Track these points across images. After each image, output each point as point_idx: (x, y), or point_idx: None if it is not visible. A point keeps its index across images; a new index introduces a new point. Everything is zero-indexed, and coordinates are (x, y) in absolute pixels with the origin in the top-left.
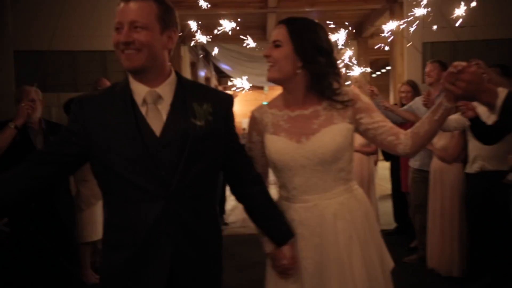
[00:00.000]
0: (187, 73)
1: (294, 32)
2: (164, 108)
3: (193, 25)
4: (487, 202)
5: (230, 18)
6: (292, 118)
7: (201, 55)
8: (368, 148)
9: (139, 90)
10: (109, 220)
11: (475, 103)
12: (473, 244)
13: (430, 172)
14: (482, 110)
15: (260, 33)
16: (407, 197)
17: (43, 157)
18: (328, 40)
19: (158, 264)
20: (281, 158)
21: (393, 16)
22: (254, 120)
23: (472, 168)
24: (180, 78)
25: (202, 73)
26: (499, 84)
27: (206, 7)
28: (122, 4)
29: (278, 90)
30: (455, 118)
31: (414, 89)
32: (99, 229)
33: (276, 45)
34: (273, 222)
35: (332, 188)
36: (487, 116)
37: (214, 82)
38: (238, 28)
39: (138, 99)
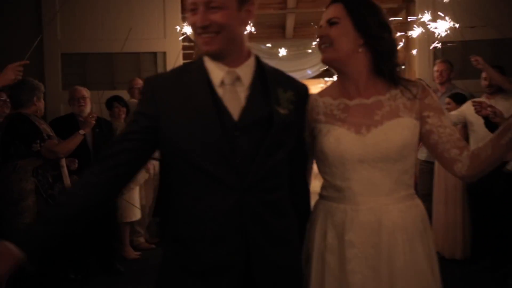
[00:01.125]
0: None
1: (352, 7)
2: (243, 91)
3: None
4: (487, 191)
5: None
6: (350, 107)
7: None
8: None
9: (217, 69)
10: (175, 211)
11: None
12: (475, 229)
13: (435, 163)
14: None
15: (279, 32)
16: (416, 187)
17: (122, 145)
18: (388, 17)
19: (230, 263)
20: (335, 150)
21: (409, 15)
22: None
23: None
24: (259, 61)
25: None
26: (499, 81)
27: None
28: None
29: None
30: (455, 114)
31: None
32: (137, 211)
33: (332, 22)
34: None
35: (392, 192)
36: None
37: None
38: (256, 29)
39: (216, 80)
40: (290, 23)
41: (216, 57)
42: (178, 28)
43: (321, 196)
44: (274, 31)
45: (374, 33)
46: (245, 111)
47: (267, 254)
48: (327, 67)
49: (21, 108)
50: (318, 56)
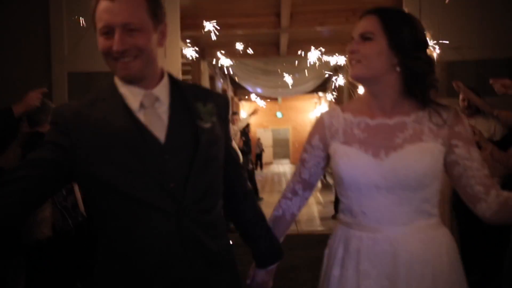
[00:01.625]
0: (206, 86)
1: (388, 23)
2: (164, 111)
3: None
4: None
5: (245, 37)
6: (370, 127)
7: (219, 67)
8: None
9: (133, 93)
10: (108, 249)
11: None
12: (463, 245)
13: None
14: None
15: (273, 50)
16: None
17: (25, 171)
18: (426, 34)
19: None
20: (351, 173)
21: None
22: (321, 123)
23: None
24: (172, 78)
25: (219, 85)
26: (480, 105)
27: (215, 30)
28: (104, 3)
29: (290, 101)
30: None
31: None
32: None
33: (366, 37)
34: (257, 243)
35: (411, 221)
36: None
37: (230, 94)
38: (251, 45)
39: (134, 104)
40: (283, 41)
41: (133, 81)
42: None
43: (340, 220)
44: (269, 48)
45: (410, 52)
46: (170, 131)
47: (207, 278)
48: (320, 83)
49: (37, 127)
50: (312, 73)
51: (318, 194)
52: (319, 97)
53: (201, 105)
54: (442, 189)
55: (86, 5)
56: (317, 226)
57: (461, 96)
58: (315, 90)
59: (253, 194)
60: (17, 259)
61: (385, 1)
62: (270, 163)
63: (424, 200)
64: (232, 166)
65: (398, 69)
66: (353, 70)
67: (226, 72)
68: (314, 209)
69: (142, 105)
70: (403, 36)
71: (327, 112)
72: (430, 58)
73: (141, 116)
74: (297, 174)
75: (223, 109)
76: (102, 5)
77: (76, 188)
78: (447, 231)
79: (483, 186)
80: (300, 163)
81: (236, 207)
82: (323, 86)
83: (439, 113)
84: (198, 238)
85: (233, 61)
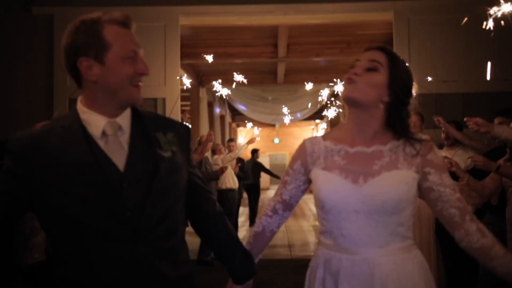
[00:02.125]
0: (205, 112)
1: (393, 62)
2: (125, 140)
3: (217, 86)
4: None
5: (244, 65)
6: (349, 155)
7: (217, 94)
8: None
9: (95, 121)
10: (63, 279)
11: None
12: (447, 269)
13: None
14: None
15: (271, 78)
16: None
17: None
18: (414, 85)
19: None
20: (331, 198)
21: None
22: (303, 149)
23: None
24: (134, 108)
25: (217, 111)
26: (459, 138)
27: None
28: (122, 29)
29: (287, 127)
30: None
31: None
32: None
33: (373, 67)
34: (232, 261)
35: (387, 244)
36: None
37: (228, 120)
38: (249, 73)
39: (95, 131)
40: (281, 70)
41: (123, 108)
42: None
43: (321, 242)
44: (266, 76)
45: (401, 95)
46: (130, 160)
47: None
48: (317, 110)
49: None
50: (307, 100)
51: (312, 220)
52: (316, 124)
53: (161, 135)
54: (428, 217)
55: None
56: (311, 251)
57: (443, 128)
58: (312, 117)
59: (224, 215)
60: (14, 283)
61: (378, 36)
62: (267, 188)
63: (399, 224)
64: (197, 192)
65: (381, 105)
66: (347, 90)
67: (224, 99)
68: (308, 234)
69: (104, 133)
70: (400, 80)
71: (309, 139)
72: (410, 104)
73: (102, 144)
74: (278, 195)
75: (184, 137)
76: (120, 31)
77: None
78: (419, 253)
79: (457, 209)
80: (282, 185)
81: (208, 229)
82: (320, 113)
83: (412, 144)
84: (153, 264)
85: (231, 89)
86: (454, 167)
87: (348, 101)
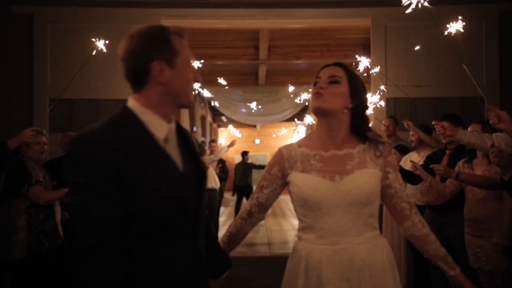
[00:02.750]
0: (185, 112)
1: (351, 75)
2: (175, 143)
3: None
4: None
5: (225, 67)
6: (325, 158)
7: (197, 93)
8: None
9: (159, 124)
10: (132, 272)
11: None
12: (416, 259)
13: (383, 207)
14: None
15: (252, 79)
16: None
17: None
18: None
19: None
20: (313, 195)
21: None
22: (280, 155)
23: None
24: None
25: (198, 112)
26: (428, 141)
27: (200, 64)
28: (185, 41)
29: (270, 128)
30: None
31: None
32: None
33: (334, 81)
34: (211, 258)
35: (361, 233)
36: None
37: (209, 120)
38: (231, 76)
39: (159, 135)
40: (262, 72)
41: (177, 110)
42: None
43: (300, 238)
44: (247, 78)
45: (362, 102)
46: (185, 162)
47: None
48: (297, 112)
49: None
50: (289, 102)
51: (292, 220)
52: (297, 124)
53: (194, 140)
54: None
55: (69, 35)
56: (289, 249)
57: (411, 132)
58: (292, 119)
59: (208, 216)
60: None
61: (357, 40)
62: None
63: (371, 215)
64: None
65: (346, 111)
66: (317, 102)
67: (205, 100)
68: (287, 233)
69: (166, 137)
70: (359, 88)
71: (284, 147)
72: (368, 108)
73: (166, 146)
74: (255, 198)
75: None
76: (182, 41)
77: (57, 213)
78: (386, 241)
79: (407, 204)
80: (258, 189)
81: None
82: (300, 114)
83: (376, 146)
84: (204, 258)
85: (212, 91)
86: (419, 170)
87: (319, 112)
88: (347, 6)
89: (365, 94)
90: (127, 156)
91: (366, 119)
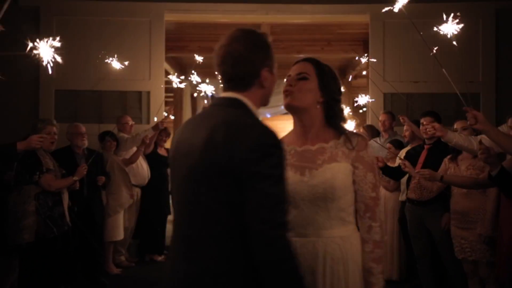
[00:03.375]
0: (187, 104)
1: (319, 69)
2: None
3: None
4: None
5: None
6: (298, 153)
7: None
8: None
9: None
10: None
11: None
12: (408, 253)
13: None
14: None
15: None
16: None
17: None
18: (341, 85)
19: None
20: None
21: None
22: None
23: (402, 196)
24: None
25: (201, 104)
26: (419, 135)
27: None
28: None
29: (271, 121)
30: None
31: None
32: (120, 232)
33: (303, 77)
34: None
35: (329, 227)
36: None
37: None
38: None
39: None
40: None
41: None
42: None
43: None
44: None
45: (332, 95)
46: None
47: None
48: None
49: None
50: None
51: None
52: None
53: None
54: (393, 208)
55: (75, 28)
56: None
57: (405, 127)
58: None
59: None
60: (8, 260)
61: (357, 35)
62: None
63: (340, 210)
64: None
65: (318, 106)
66: (287, 100)
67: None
68: None
69: None
70: (330, 82)
71: None
72: (341, 101)
73: None
74: None
75: None
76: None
77: (64, 200)
78: (358, 236)
79: (364, 205)
80: None
81: None
82: None
83: (350, 139)
84: None
85: (214, 82)
86: (408, 168)
87: (290, 109)
88: (346, 2)
89: (337, 86)
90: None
91: (338, 111)
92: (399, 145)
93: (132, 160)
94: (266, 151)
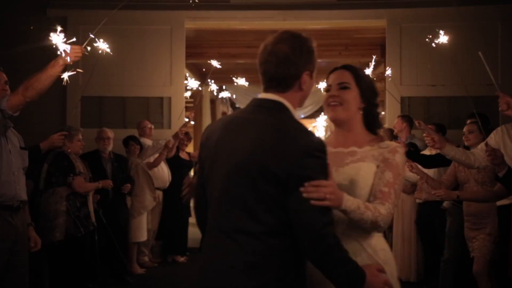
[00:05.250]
0: (207, 109)
1: (358, 77)
2: None
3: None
4: (429, 225)
5: (246, 65)
6: (332, 153)
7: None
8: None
9: None
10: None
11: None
12: (426, 254)
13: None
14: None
15: None
16: None
17: None
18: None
19: None
20: None
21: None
22: None
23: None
24: None
25: (220, 108)
26: (438, 139)
27: (219, 65)
28: None
29: None
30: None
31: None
32: (144, 233)
33: (345, 86)
34: None
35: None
36: None
37: None
38: (251, 73)
39: None
40: None
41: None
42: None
43: None
44: None
45: (371, 100)
46: None
47: None
48: (317, 109)
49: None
50: (309, 99)
51: None
52: (316, 121)
53: None
54: (410, 209)
55: (100, 36)
56: None
57: (424, 133)
58: (313, 115)
59: None
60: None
61: (374, 40)
62: None
63: None
64: None
65: (360, 111)
66: (333, 112)
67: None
68: None
69: None
70: (368, 89)
71: None
72: (378, 105)
73: None
74: None
75: None
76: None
77: (90, 201)
78: (380, 235)
79: (374, 197)
80: None
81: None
82: (320, 111)
83: (382, 150)
84: None
85: (233, 87)
86: (415, 170)
87: (337, 120)
88: (363, 7)
89: (374, 91)
90: None
91: (376, 115)
92: (415, 149)
93: (155, 164)
94: (314, 155)
